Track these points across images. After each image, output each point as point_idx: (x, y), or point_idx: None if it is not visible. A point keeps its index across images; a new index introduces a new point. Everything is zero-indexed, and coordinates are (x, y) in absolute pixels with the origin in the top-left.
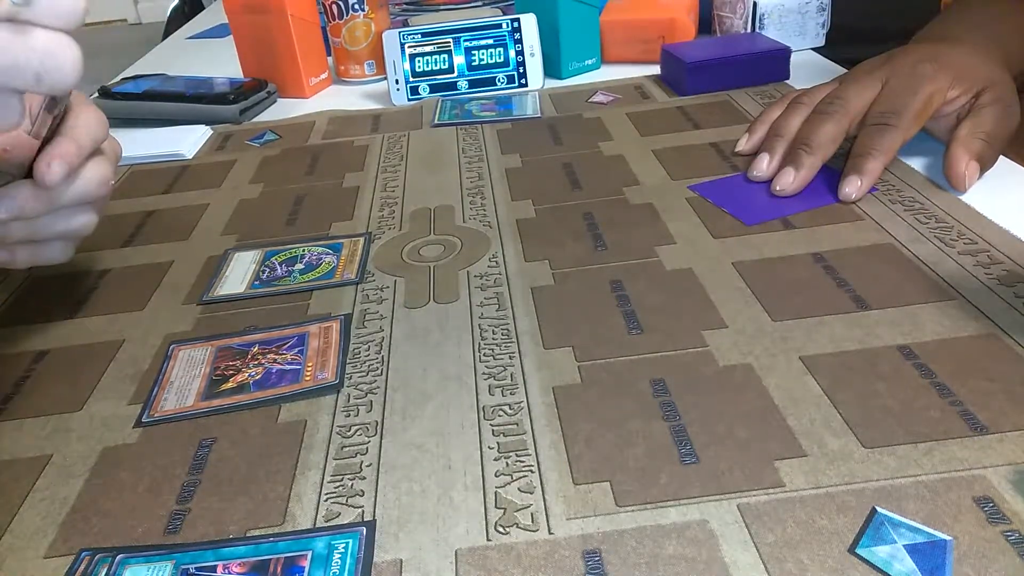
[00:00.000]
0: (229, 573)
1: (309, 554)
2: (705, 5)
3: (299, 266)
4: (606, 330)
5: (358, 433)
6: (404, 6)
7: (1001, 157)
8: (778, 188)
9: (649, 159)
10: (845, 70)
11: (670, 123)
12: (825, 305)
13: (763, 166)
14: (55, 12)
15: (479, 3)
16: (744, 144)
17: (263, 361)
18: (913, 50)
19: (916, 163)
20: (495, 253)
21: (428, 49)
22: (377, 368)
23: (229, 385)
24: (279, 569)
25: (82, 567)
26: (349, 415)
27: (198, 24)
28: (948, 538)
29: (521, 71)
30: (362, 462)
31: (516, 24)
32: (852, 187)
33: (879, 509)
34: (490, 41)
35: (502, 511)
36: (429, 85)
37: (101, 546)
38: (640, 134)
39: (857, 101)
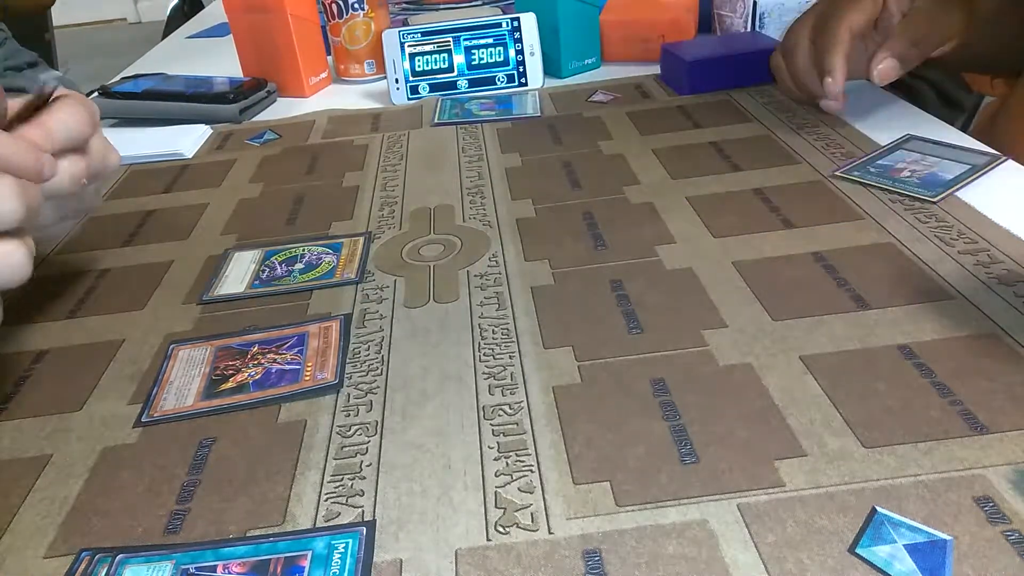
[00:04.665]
0: (229, 573)
1: (309, 554)
2: (705, 4)
3: (299, 266)
4: (606, 330)
5: (358, 433)
6: (404, 5)
7: (1000, 156)
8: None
9: (649, 158)
10: None
11: (670, 122)
12: (825, 305)
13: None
14: None
15: (479, 2)
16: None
17: (263, 361)
18: None
19: None
20: (495, 252)
21: (428, 48)
22: (377, 368)
23: (229, 385)
24: (279, 569)
25: (82, 567)
26: (349, 415)
27: (198, 23)
28: (948, 538)
29: (521, 70)
30: (362, 462)
31: (516, 23)
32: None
33: (879, 509)
34: (490, 40)
35: (502, 511)
36: (429, 84)
37: (101, 546)
38: (640, 133)
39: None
